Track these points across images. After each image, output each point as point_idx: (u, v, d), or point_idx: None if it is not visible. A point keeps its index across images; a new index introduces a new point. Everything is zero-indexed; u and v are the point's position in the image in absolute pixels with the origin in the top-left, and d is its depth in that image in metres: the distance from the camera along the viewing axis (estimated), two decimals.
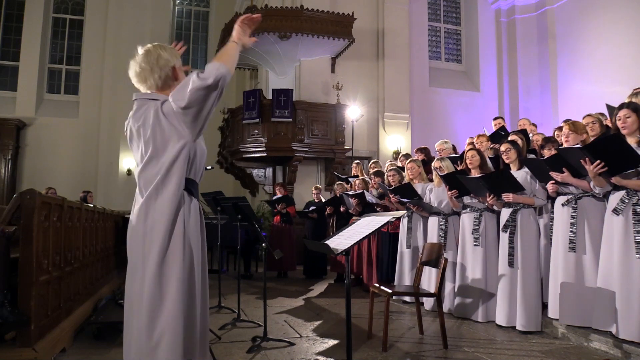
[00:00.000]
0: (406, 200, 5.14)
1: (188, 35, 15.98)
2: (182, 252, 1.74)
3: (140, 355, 1.67)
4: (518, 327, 3.98)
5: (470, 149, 4.88)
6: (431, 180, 5.39)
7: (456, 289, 4.64)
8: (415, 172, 5.43)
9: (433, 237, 4.96)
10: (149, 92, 1.91)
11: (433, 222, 5.05)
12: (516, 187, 4.06)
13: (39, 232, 2.96)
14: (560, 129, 4.67)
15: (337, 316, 4.79)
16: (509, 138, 4.82)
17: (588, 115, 4.09)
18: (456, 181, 4.56)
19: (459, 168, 5.10)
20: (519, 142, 4.61)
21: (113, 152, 13.96)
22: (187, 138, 1.78)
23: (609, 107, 4.65)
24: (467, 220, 4.64)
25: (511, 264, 4.08)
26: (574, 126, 3.93)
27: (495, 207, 4.42)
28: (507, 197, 4.10)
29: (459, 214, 4.84)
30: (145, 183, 1.79)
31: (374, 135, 11.54)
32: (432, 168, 5.21)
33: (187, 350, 1.71)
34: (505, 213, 4.23)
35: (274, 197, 8.20)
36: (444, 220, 4.92)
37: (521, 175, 4.19)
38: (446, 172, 4.87)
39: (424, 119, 12.11)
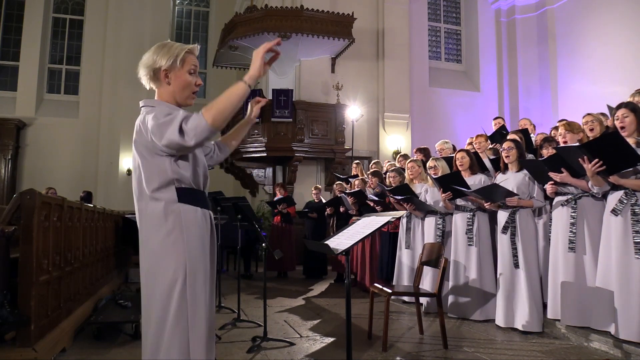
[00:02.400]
0: (399, 197, 5.14)
1: (188, 35, 15.98)
2: (182, 267, 1.70)
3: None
4: (521, 328, 3.97)
5: (459, 150, 4.89)
6: None
7: (451, 289, 4.65)
8: (416, 172, 5.42)
9: (430, 237, 4.96)
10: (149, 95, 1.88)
11: (430, 222, 5.05)
12: (509, 195, 4.06)
13: (39, 232, 2.96)
14: (557, 128, 4.67)
15: (337, 316, 4.79)
16: (509, 137, 4.82)
17: (588, 114, 4.08)
18: (449, 184, 4.57)
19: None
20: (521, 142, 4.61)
21: (113, 152, 13.96)
22: (167, 156, 1.71)
23: (610, 108, 4.64)
24: (460, 220, 4.65)
25: (517, 264, 4.07)
26: (569, 126, 3.93)
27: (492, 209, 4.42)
28: (512, 201, 4.09)
29: (453, 213, 4.86)
30: (136, 194, 1.78)
31: (374, 135, 11.54)
32: (427, 167, 5.22)
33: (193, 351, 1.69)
34: (503, 214, 4.23)
35: (276, 198, 8.20)
36: (441, 220, 4.92)
37: (520, 177, 4.19)
38: (440, 173, 4.88)
39: (424, 119, 12.11)
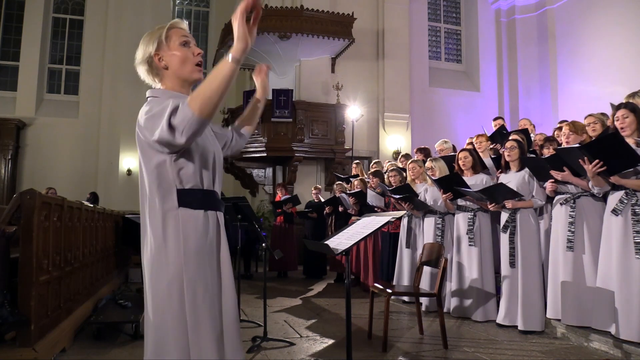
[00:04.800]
0: (397, 196, 5.14)
1: None
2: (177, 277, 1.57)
3: None
4: (520, 327, 3.98)
5: (461, 150, 4.89)
6: None
7: (453, 289, 4.65)
8: (417, 172, 5.43)
9: (429, 237, 4.96)
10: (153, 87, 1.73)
11: (429, 222, 5.06)
12: (514, 195, 4.06)
13: (39, 232, 2.96)
14: (560, 129, 4.67)
15: (337, 316, 4.79)
16: (511, 137, 4.82)
17: (590, 115, 4.08)
18: (450, 184, 4.56)
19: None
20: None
21: (113, 152, 13.95)
22: (164, 154, 1.56)
23: (613, 106, 4.63)
24: (461, 220, 4.66)
25: (512, 264, 4.08)
26: (574, 126, 3.93)
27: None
28: (508, 203, 4.10)
29: (454, 213, 4.85)
30: (140, 196, 1.66)
31: (374, 135, 11.55)
32: (425, 168, 5.22)
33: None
34: (505, 213, 4.23)
35: (283, 198, 8.19)
36: (440, 220, 4.92)
37: (521, 175, 4.19)
38: (438, 173, 4.89)
39: (424, 119, 12.11)
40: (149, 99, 1.66)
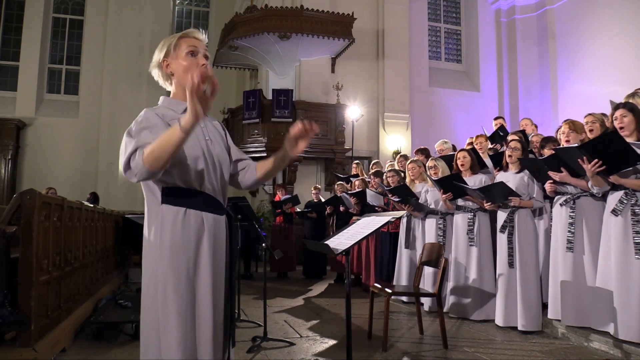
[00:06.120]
0: (397, 199, 5.14)
1: None
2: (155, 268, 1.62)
3: None
4: (519, 327, 3.98)
5: (460, 150, 4.88)
6: None
7: (451, 289, 4.65)
8: (416, 172, 5.42)
9: (431, 237, 4.96)
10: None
11: (430, 222, 5.05)
12: (513, 195, 4.06)
13: (39, 232, 2.96)
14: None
15: (337, 316, 4.79)
16: (509, 138, 4.82)
17: (589, 114, 4.08)
18: (450, 184, 4.57)
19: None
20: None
21: (113, 152, 13.93)
22: None
23: (613, 103, 4.62)
24: (460, 220, 4.66)
25: (511, 264, 4.08)
26: (574, 125, 3.93)
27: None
28: (515, 201, 4.09)
29: (453, 213, 4.86)
30: None
31: (374, 135, 11.55)
32: (427, 167, 5.21)
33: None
34: (502, 213, 4.23)
35: (283, 198, 8.19)
36: (441, 220, 4.92)
37: (520, 177, 4.19)
38: (440, 172, 4.89)
39: (424, 119, 12.12)
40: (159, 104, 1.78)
